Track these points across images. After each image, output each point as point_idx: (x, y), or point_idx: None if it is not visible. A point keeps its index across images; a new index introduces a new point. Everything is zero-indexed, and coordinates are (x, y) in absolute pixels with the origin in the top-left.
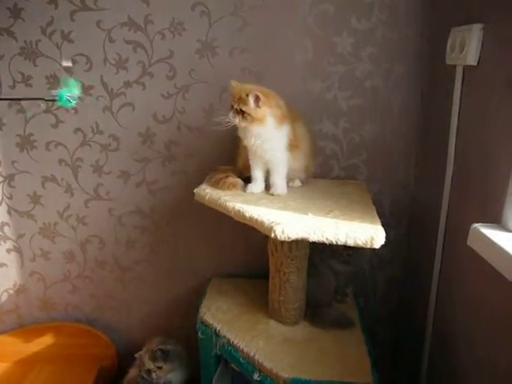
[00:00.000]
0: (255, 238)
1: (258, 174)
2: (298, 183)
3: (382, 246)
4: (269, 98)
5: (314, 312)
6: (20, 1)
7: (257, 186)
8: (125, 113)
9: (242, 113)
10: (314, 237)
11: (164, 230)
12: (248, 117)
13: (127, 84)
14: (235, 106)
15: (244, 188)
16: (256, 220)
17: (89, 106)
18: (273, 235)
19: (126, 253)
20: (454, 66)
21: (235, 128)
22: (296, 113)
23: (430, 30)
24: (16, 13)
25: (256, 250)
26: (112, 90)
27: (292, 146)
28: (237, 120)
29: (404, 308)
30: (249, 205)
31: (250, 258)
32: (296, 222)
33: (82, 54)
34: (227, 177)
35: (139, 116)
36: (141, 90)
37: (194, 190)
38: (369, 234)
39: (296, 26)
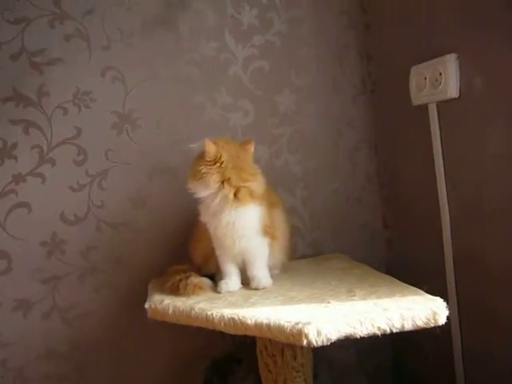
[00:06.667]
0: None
1: (230, 268)
2: (275, 271)
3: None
4: (225, 168)
5: None
6: None
7: (233, 282)
8: (17, 217)
9: None
10: (362, 329)
11: (93, 375)
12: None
13: (18, 178)
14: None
15: (214, 288)
16: (269, 326)
17: None
18: (304, 341)
19: None
20: (425, 105)
21: (177, 218)
22: (275, 197)
23: (374, 78)
24: None
25: None
26: None
27: (269, 234)
28: None
29: None
30: (241, 308)
31: None
32: (327, 315)
33: None
34: (188, 277)
35: (39, 219)
36: (39, 183)
37: (146, 305)
38: (428, 309)
39: (231, 87)
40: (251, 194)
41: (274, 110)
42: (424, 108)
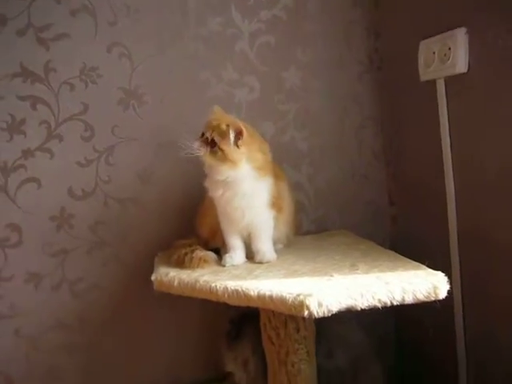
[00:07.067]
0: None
1: (235, 242)
2: (279, 245)
3: None
4: (253, 138)
5: None
6: None
7: (237, 256)
8: (27, 192)
9: (212, 145)
10: (363, 301)
11: (101, 344)
12: (219, 153)
13: (27, 153)
14: (207, 135)
15: (219, 262)
16: (271, 297)
17: None
18: (306, 312)
19: None
20: (433, 81)
21: (183, 194)
22: (280, 170)
23: (381, 55)
24: None
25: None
26: (5, 163)
27: (275, 206)
28: (202, 152)
29: None
30: (244, 280)
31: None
32: (329, 288)
33: None
34: (193, 251)
35: (48, 194)
36: (48, 158)
37: (152, 277)
38: (429, 283)
39: (237, 63)
40: (268, 166)
41: (279, 86)
42: (432, 83)
